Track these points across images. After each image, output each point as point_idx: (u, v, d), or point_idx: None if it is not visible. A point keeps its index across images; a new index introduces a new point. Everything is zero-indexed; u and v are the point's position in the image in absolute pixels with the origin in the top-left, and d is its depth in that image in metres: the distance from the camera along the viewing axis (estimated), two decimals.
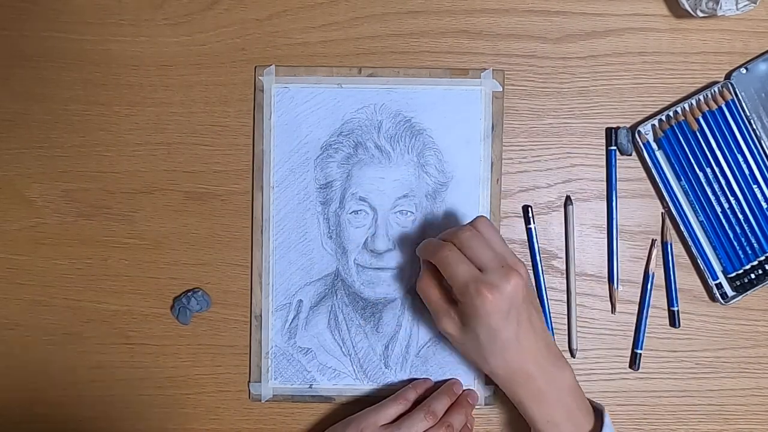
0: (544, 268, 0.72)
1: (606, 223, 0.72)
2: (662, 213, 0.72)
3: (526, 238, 0.72)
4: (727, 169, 0.71)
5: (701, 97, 0.71)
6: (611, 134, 0.72)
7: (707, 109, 0.71)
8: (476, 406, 0.72)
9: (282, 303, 0.72)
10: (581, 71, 0.72)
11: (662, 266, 0.72)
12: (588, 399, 0.67)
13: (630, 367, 0.73)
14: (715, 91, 0.71)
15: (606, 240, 0.72)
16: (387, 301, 0.72)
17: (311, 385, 0.73)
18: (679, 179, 0.71)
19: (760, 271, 0.71)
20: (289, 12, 0.72)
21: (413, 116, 0.72)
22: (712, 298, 0.72)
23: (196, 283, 0.73)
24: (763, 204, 0.71)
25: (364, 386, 0.73)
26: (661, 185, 0.71)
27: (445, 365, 0.72)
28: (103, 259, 0.73)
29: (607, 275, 0.72)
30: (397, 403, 0.69)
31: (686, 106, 0.71)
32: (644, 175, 0.72)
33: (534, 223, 0.72)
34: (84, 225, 0.73)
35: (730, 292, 0.72)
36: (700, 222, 0.71)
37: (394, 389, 0.71)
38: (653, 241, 0.72)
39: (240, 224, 0.73)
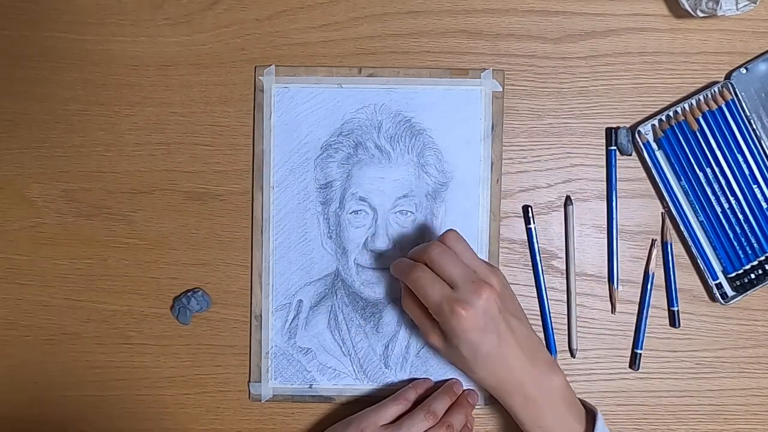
0: (544, 268, 0.72)
1: (606, 223, 0.72)
2: (662, 213, 0.72)
3: (526, 238, 0.72)
4: (727, 169, 0.71)
5: (701, 97, 0.71)
6: (611, 134, 0.72)
7: (707, 109, 0.71)
8: (476, 406, 0.72)
9: (282, 303, 0.72)
10: (581, 71, 0.72)
11: (662, 266, 0.72)
12: (582, 401, 0.67)
13: (630, 367, 0.73)
14: (715, 91, 0.71)
15: (606, 240, 0.72)
16: (387, 301, 0.72)
17: (311, 385, 0.73)
18: (679, 179, 0.71)
19: (760, 271, 0.71)
20: (289, 12, 0.72)
21: (413, 116, 0.72)
22: (712, 298, 0.72)
23: (196, 283, 0.73)
24: (763, 204, 0.71)
25: (364, 386, 0.73)
26: (661, 185, 0.71)
27: (445, 365, 0.72)
28: (103, 259, 0.73)
29: (607, 275, 0.72)
30: (398, 403, 0.69)
31: (686, 106, 0.71)
32: (644, 175, 0.72)
33: (534, 223, 0.72)
34: (84, 225, 0.73)
35: (730, 292, 0.72)
36: (700, 222, 0.71)
37: (394, 389, 0.71)
38: (653, 241, 0.72)
39: (240, 224, 0.73)
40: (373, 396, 0.72)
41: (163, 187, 0.73)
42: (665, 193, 0.71)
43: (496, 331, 0.63)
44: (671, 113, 0.71)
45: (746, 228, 0.71)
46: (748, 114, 0.71)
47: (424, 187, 0.72)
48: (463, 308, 0.61)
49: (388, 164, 0.72)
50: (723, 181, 0.71)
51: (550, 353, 0.72)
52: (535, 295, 0.72)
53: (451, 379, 0.72)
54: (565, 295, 0.72)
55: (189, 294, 0.72)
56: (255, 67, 0.72)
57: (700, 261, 0.71)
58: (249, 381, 0.73)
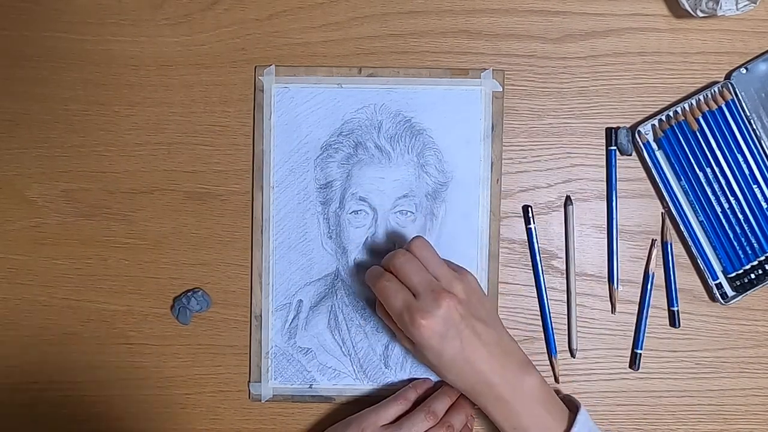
0: (544, 268, 0.72)
1: (606, 223, 0.72)
2: (662, 213, 0.72)
3: (526, 238, 0.72)
4: (727, 169, 0.71)
5: (701, 97, 0.71)
6: (611, 134, 0.72)
7: (707, 109, 0.71)
8: (476, 406, 0.72)
9: (282, 303, 0.72)
10: (581, 71, 0.72)
11: (662, 266, 0.72)
12: (568, 396, 0.67)
13: (630, 367, 0.73)
14: (715, 91, 0.71)
15: (606, 240, 0.72)
16: None
17: (311, 385, 0.73)
18: (679, 179, 0.71)
19: (760, 271, 0.71)
20: (289, 12, 0.72)
21: (413, 116, 0.72)
22: (712, 298, 0.72)
23: (196, 283, 0.73)
24: (763, 204, 0.71)
25: (364, 386, 0.73)
26: (661, 185, 0.71)
27: None
28: (103, 259, 0.73)
29: (607, 275, 0.72)
30: (398, 403, 0.69)
31: (686, 106, 0.71)
32: (644, 175, 0.72)
33: (534, 223, 0.72)
34: (84, 225, 0.73)
35: (730, 292, 0.72)
36: (700, 222, 0.71)
37: (394, 389, 0.71)
38: (653, 241, 0.72)
39: (240, 224, 0.73)
40: (373, 396, 0.72)
41: (163, 187, 0.73)
42: (665, 193, 0.71)
43: (459, 338, 0.63)
44: (671, 113, 0.71)
45: (746, 228, 0.71)
46: (748, 114, 0.71)
47: (424, 187, 0.72)
48: (422, 317, 0.62)
49: (388, 164, 0.72)
50: (723, 181, 0.71)
51: (550, 353, 0.72)
52: (535, 295, 0.72)
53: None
54: (565, 295, 0.72)
55: (189, 294, 0.72)
56: (255, 67, 0.72)
57: (700, 261, 0.71)
58: (249, 381, 0.73)
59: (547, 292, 0.72)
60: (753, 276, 0.71)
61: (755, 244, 0.71)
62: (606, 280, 0.72)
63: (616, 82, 0.72)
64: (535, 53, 0.72)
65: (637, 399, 0.73)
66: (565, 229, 0.72)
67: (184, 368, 0.73)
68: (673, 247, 0.72)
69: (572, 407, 0.67)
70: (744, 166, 0.71)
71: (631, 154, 0.72)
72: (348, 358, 0.73)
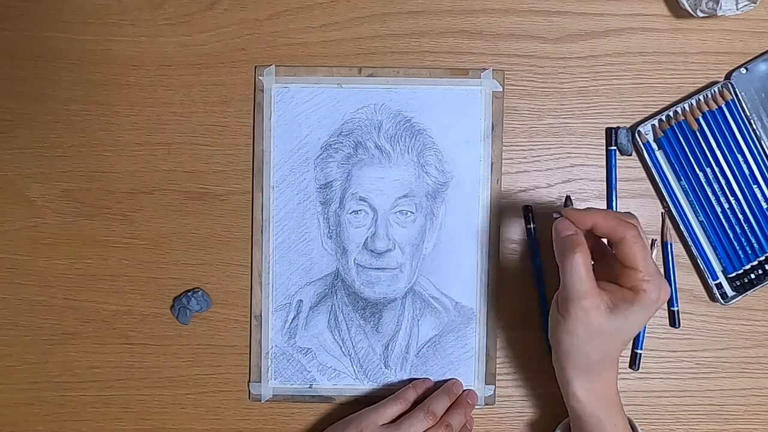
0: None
1: None
2: (662, 213, 0.72)
3: (526, 238, 0.72)
4: (727, 169, 0.71)
5: (701, 97, 0.71)
6: (611, 134, 0.72)
7: (707, 109, 0.71)
8: (476, 406, 0.72)
9: (282, 303, 0.72)
10: (581, 71, 0.72)
11: (662, 266, 0.72)
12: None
13: (630, 367, 0.73)
14: (715, 91, 0.71)
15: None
16: (387, 301, 0.72)
17: (311, 385, 0.73)
18: (679, 179, 0.71)
19: (760, 271, 0.71)
20: (289, 12, 0.72)
21: (413, 116, 0.72)
22: (712, 298, 0.72)
23: (196, 283, 0.73)
24: (763, 204, 0.71)
25: (364, 386, 0.73)
26: (661, 185, 0.71)
27: (445, 365, 0.72)
28: (103, 259, 0.73)
29: None
30: (397, 402, 0.69)
31: (686, 106, 0.71)
32: (644, 175, 0.72)
33: (534, 223, 0.72)
34: (84, 225, 0.73)
35: (730, 292, 0.72)
36: (700, 222, 0.71)
37: (394, 389, 0.71)
38: (653, 241, 0.72)
39: (240, 224, 0.73)
40: (373, 396, 0.72)
41: (163, 187, 0.73)
42: (665, 193, 0.71)
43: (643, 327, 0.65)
44: (671, 113, 0.71)
45: (746, 228, 0.71)
46: (748, 114, 0.71)
47: (424, 187, 0.72)
48: (667, 291, 0.60)
49: (388, 164, 0.72)
50: (723, 181, 0.71)
51: (549, 353, 0.72)
52: (535, 295, 0.72)
53: (451, 379, 0.72)
54: None
55: (189, 294, 0.72)
56: (255, 67, 0.72)
57: (700, 261, 0.72)
58: (249, 381, 0.73)
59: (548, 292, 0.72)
60: (753, 276, 0.71)
61: (755, 244, 0.71)
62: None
63: (616, 82, 0.72)
64: (535, 53, 0.72)
65: (637, 399, 0.73)
66: None
67: (184, 368, 0.73)
68: (673, 247, 0.72)
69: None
70: (744, 166, 0.71)
71: (631, 154, 0.72)
72: (348, 358, 0.73)
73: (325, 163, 0.72)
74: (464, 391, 0.71)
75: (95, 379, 0.73)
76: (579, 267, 0.59)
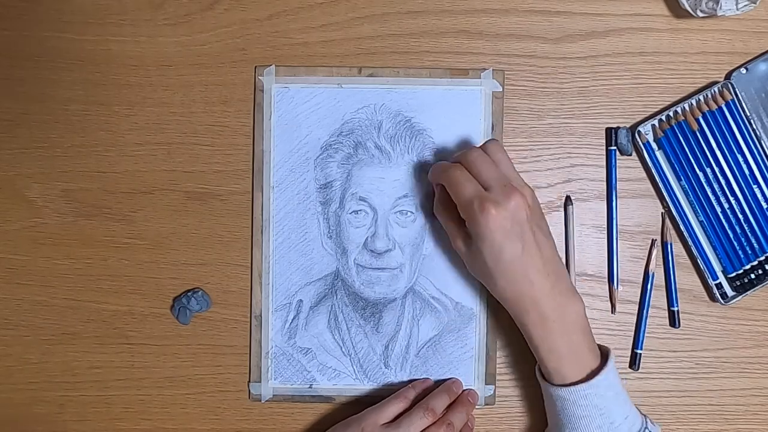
0: None
1: (606, 223, 0.72)
2: (662, 213, 0.72)
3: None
4: (727, 169, 0.71)
5: (701, 97, 0.71)
6: (611, 134, 0.72)
7: (707, 109, 0.71)
8: (476, 406, 0.72)
9: (282, 303, 0.72)
10: (581, 71, 0.72)
11: (662, 266, 0.72)
12: (597, 343, 0.67)
13: (630, 367, 0.73)
14: (715, 91, 0.71)
15: (606, 240, 0.72)
16: (387, 301, 0.72)
17: (311, 385, 0.73)
18: (679, 179, 0.71)
19: (760, 271, 0.71)
20: (289, 12, 0.72)
21: (413, 116, 0.72)
22: (712, 298, 0.72)
23: (196, 283, 0.73)
24: (763, 204, 0.71)
25: (364, 386, 0.73)
26: (661, 185, 0.71)
27: (445, 365, 0.72)
28: (103, 259, 0.73)
29: (607, 275, 0.72)
30: (397, 401, 0.69)
31: (686, 106, 0.71)
32: (644, 175, 0.72)
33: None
34: (84, 225, 0.73)
35: (730, 292, 0.72)
36: (700, 222, 0.71)
37: (394, 389, 0.71)
38: (653, 241, 0.72)
39: (240, 224, 0.73)
40: (373, 396, 0.72)
41: (163, 187, 0.73)
42: (665, 193, 0.71)
43: (521, 240, 0.62)
44: (671, 113, 0.71)
45: (746, 228, 0.71)
46: (748, 114, 0.71)
47: (424, 187, 0.72)
48: (493, 207, 0.61)
49: (388, 164, 0.72)
50: (723, 181, 0.71)
51: None
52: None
53: (451, 378, 0.72)
54: None
55: (189, 294, 0.72)
56: (255, 67, 0.72)
57: (700, 261, 0.72)
58: (249, 381, 0.73)
59: None
60: (753, 276, 0.71)
61: (755, 244, 0.71)
62: (606, 280, 0.72)
63: (616, 82, 0.72)
64: (535, 53, 0.72)
65: (637, 399, 0.72)
66: (565, 229, 0.72)
67: (184, 368, 0.73)
68: (673, 247, 0.72)
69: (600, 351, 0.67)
70: (744, 166, 0.71)
71: (631, 154, 0.72)
72: (348, 358, 0.73)
73: (325, 163, 0.72)
74: (465, 390, 0.71)
75: (95, 379, 0.73)
76: (446, 222, 0.68)
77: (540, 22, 0.72)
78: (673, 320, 0.72)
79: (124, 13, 0.72)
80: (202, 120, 0.73)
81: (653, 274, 0.72)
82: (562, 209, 0.72)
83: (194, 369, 0.73)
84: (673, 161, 0.71)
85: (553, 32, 0.72)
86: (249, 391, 0.73)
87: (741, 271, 0.71)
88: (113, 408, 0.73)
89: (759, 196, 0.71)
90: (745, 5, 0.69)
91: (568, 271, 0.72)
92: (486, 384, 0.72)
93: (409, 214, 0.72)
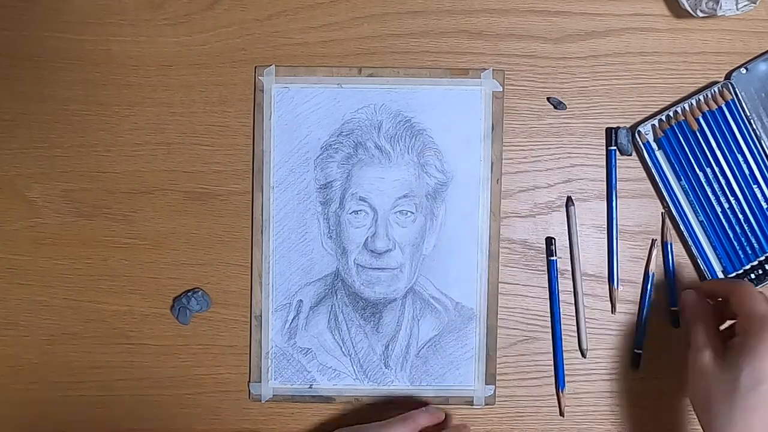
0: (543, 268, 0.72)
1: (606, 223, 0.72)
2: (662, 213, 0.72)
3: (525, 238, 0.72)
4: (727, 169, 0.71)
5: (701, 97, 0.71)
6: (611, 134, 0.72)
7: (707, 109, 0.71)
8: (476, 406, 0.72)
9: (282, 303, 0.72)
10: (581, 71, 0.72)
11: (662, 266, 0.72)
12: None
13: (630, 367, 0.72)
14: (715, 91, 0.71)
15: (606, 240, 0.72)
16: (387, 301, 0.72)
17: (311, 385, 0.73)
18: (679, 179, 0.71)
19: (760, 271, 0.71)
20: (289, 12, 0.72)
21: (413, 116, 0.72)
22: None
23: (196, 283, 0.73)
24: (763, 204, 0.71)
25: (364, 386, 0.73)
26: (661, 185, 0.71)
27: (445, 365, 0.72)
28: (103, 259, 0.73)
29: (607, 275, 0.72)
30: (406, 425, 0.68)
31: (686, 106, 0.71)
32: (644, 175, 0.72)
33: (556, 255, 0.72)
34: (84, 225, 0.73)
35: None
36: (700, 222, 0.71)
37: (393, 389, 0.71)
38: (653, 241, 0.72)
39: (240, 224, 0.73)
40: (373, 396, 0.72)
41: (163, 187, 0.73)
42: (665, 193, 0.71)
43: None
44: (671, 113, 0.71)
45: (746, 228, 0.71)
46: (748, 114, 0.71)
47: (424, 187, 0.72)
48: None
49: (388, 164, 0.72)
50: (723, 181, 0.71)
51: (558, 387, 0.72)
52: (535, 295, 0.72)
53: (463, 423, 0.72)
54: (571, 296, 0.72)
55: (189, 294, 0.72)
56: (255, 67, 0.72)
57: (700, 261, 0.72)
58: (249, 381, 0.73)
59: (560, 304, 0.72)
60: (753, 276, 0.71)
61: (755, 244, 0.71)
62: (606, 280, 0.72)
63: (616, 82, 0.72)
64: (535, 53, 0.72)
65: (637, 399, 0.73)
66: (568, 230, 0.72)
67: (184, 368, 0.73)
68: (673, 247, 0.72)
69: None
70: (744, 166, 0.71)
71: (631, 154, 0.72)
72: (348, 358, 0.73)
73: (325, 163, 0.72)
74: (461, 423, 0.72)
75: (95, 379, 0.73)
76: (697, 334, 0.64)
77: (540, 22, 0.72)
78: (674, 320, 0.72)
79: (124, 13, 0.72)
80: (202, 120, 0.73)
81: (653, 274, 0.72)
82: (563, 209, 0.72)
83: (194, 369, 0.73)
84: (673, 161, 0.71)
85: (553, 32, 0.72)
86: (249, 391, 0.73)
87: (741, 271, 0.71)
88: (113, 408, 0.73)
89: (759, 196, 0.71)
90: (745, 5, 0.69)
91: (573, 273, 0.72)
92: (486, 384, 0.72)
93: (409, 214, 0.72)
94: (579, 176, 0.72)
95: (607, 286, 0.72)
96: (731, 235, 0.71)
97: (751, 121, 0.71)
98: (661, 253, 0.72)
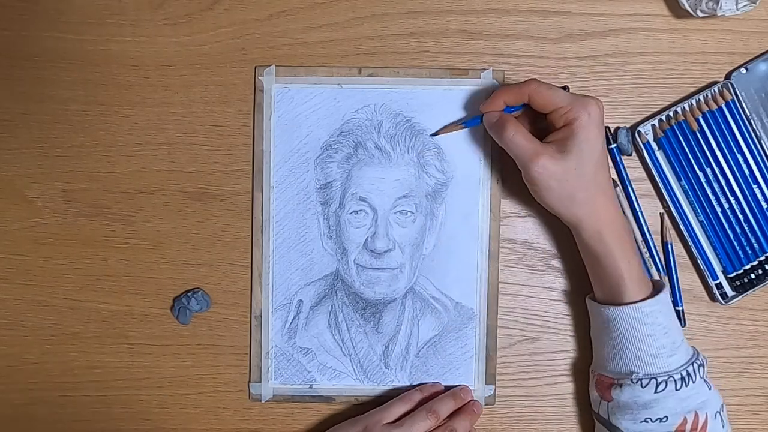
0: (543, 268, 0.72)
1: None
2: (662, 213, 0.72)
3: (525, 238, 0.72)
4: (727, 169, 0.71)
5: (701, 97, 0.71)
6: (608, 134, 0.72)
7: (707, 109, 0.71)
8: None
9: (282, 303, 0.72)
10: (581, 71, 0.72)
11: (663, 266, 0.72)
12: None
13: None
14: (715, 91, 0.71)
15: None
16: (387, 301, 0.72)
17: (311, 385, 0.73)
18: (679, 179, 0.71)
19: (760, 271, 0.71)
20: (289, 12, 0.72)
21: (413, 116, 0.72)
22: (712, 298, 0.72)
23: (196, 283, 0.73)
24: (763, 204, 0.71)
25: (364, 386, 0.73)
26: (661, 185, 0.71)
27: (445, 365, 0.72)
28: (103, 259, 0.73)
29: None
30: (402, 403, 0.69)
31: (686, 106, 0.71)
32: (644, 175, 0.72)
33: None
34: (84, 225, 0.73)
35: (730, 292, 0.72)
36: (700, 222, 0.71)
37: (394, 389, 0.71)
38: (662, 215, 0.72)
39: (240, 224, 0.73)
40: (374, 396, 0.72)
41: (163, 187, 0.73)
42: (665, 193, 0.71)
43: (602, 140, 0.65)
44: (671, 113, 0.71)
45: (746, 228, 0.71)
46: (748, 114, 0.71)
47: (424, 187, 0.72)
48: (593, 101, 0.64)
49: (388, 164, 0.72)
50: (723, 181, 0.71)
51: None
52: (535, 295, 0.72)
53: (460, 385, 0.72)
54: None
55: (189, 294, 0.72)
56: (255, 68, 0.72)
57: (700, 261, 0.72)
58: (249, 381, 0.73)
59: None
60: (753, 276, 0.71)
61: (755, 244, 0.71)
62: None
63: (616, 82, 0.72)
64: (535, 53, 0.72)
65: None
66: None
67: (184, 368, 0.73)
68: (673, 247, 0.72)
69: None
70: (744, 166, 0.71)
71: (631, 154, 0.72)
72: (348, 358, 0.73)
73: (325, 164, 0.72)
74: (471, 400, 0.71)
75: (95, 379, 0.73)
76: (515, 137, 0.65)
77: (540, 22, 0.72)
78: (678, 319, 0.72)
79: (124, 13, 0.72)
80: (202, 120, 0.73)
81: (671, 243, 0.72)
82: None
83: (194, 369, 0.73)
84: (673, 161, 0.71)
85: (553, 32, 0.72)
86: (249, 391, 0.73)
87: (741, 271, 0.71)
88: (113, 408, 0.73)
89: (759, 196, 0.71)
90: (745, 5, 0.69)
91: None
92: (486, 384, 0.72)
93: (409, 214, 0.72)
94: None
95: None
96: (731, 235, 0.71)
97: (751, 121, 0.71)
98: (661, 252, 0.72)
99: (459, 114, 0.72)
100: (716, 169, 0.71)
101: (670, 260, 0.72)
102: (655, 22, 0.72)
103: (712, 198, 0.71)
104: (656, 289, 0.66)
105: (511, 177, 0.72)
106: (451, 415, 0.69)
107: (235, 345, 0.73)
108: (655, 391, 0.64)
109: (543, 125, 0.68)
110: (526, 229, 0.73)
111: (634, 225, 0.72)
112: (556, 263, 0.73)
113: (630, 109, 0.72)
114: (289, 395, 0.73)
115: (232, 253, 0.73)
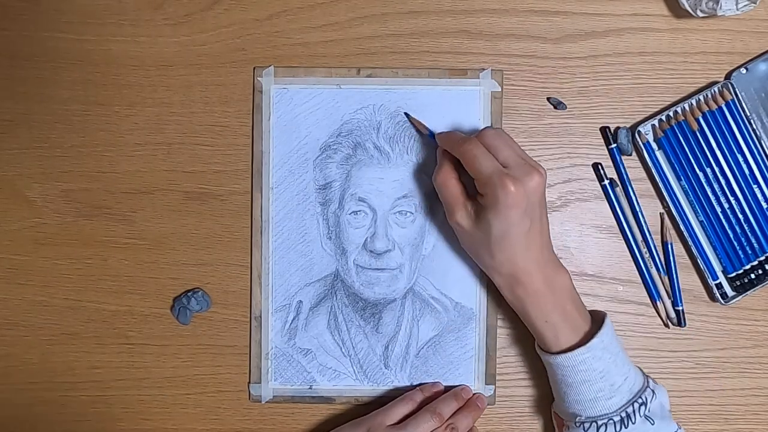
0: None
1: (605, 222, 0.72)
2: (662, 213, 0.72)
3: None
4: (727, 169, 0.71)
5: (701, 97, 0.71)
6: (607, 134, 0.71)
7: (707, 109, 0.71)
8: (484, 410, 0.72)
9: (282, 304, 0.72)
10: (581, 71, 0.72)
11: (664, 267, 0.72)
12: (590, 310, 0.68)
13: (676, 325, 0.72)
14: (715, 91, 0.71)
15: (606, 240, 0.72)
16: (387, 301, 0.72)
17: (311, 386, 0.73)
18: (679, 179, 0.71)
19: (760, 271, 0.71)
20: (289, 12, 0.72)
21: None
22: (712, 298, 0.72)
23: (196, 283, 0.73)
24: (763, 204, 0.71)
25: (364, 387, 0.73)
26: (661, 185, 0.71)
27: (445, 365, 0.72)
28: (103, 259, 0.73)
29: (606, 276, 0.72)
30: (404, 403, 0.69)
31: (686, 106, 0.71)
32: (644, 175, 0.72)
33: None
34: (84, 225, 0.73)
35: (730, 292, 0.72)
36: (700, 222, 0.71)
37: (394, 390, 0.71)
38: (662, 214, 0.72)
39: (240, 224, 0.73)
40: (374, 397, 0.72)
41: (163, 187, 0.73)
42: (665, 193, 0.71)
43: (531, 218, 0.63)
44: (671, 113, 0.71)
45: (746, 228, 0.71)
46: (748, 114, 0.71)
47: (424, 187, 0.72)
48: (513, 184, 0.62)
49: (387, 165, 0.72)
50: (723, 181, 0.71)
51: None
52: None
53: (460, 385, 0.72)
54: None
55: (189, 294, 0.72)
56: (254, 68, 0.72)
57: (700, 261, 0.71)
58: (249, 382, 0.73)
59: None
60: (753, 276, 0.71)
61: (755, 244, 0.71)
62: (606, 279, 0.72)
63: (616, 82, 0.72)
64: (535, 53, 0.72)
65: None
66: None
67: (184, 368, 0.73)
68: (673, 247, 0.72)
69: (596, 317, 0.68)
70: (744, 166, 0.71)
71: (631, 154, 0.72)
72: (348, 359, 0.73)
73: (324, 164, 0.72)
74: (474, 394, 0.71)
75: (95, 379, 0.73)
76: (445, 182, 0.67)
77: (540, 22, 0.72)
78: (678, 319, 0.72)
79: (124, 13, 0.72)
80: (202, 120, 0.73)
81: (671, 243, 0.72)
82: (562, 209, 0.72)
83: (194, 369, 0.73)
84: (673, 161, 0.71)
85: (553, 32, 0.72)
86: (249, 392, 0.73)
87: (741, 271, 0.71)
88: (113, 408, 0.73)
89: (759, 196, 0.71)
90: (745, 5, 0.68)
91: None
92: (486, 384, 0.72)
93: (408, 214, 0.72)
94: (579, 176, 0.72)
95: (607, 286, 0.72)
96: (731, 235, 0.71)
97: (751, 121, 0.71)
98: (661, 252, 0.72)
99: (458, 114, 0.72)
100: (716, 169, 0.71)
101: (670, 260, 0.72)
102: (655, 22, 0.72)
103: (712, 198, 0.71)
104: (596, 326, 0.66)
105: None
106: (453, 414, 0.69)
107: (235, 345, 0.73)
108: None
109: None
110: None
111: (635, 225, 0.72)
112: None
113: (630, 109, 0.72)
114: (289, 396, 0.73)
115: (231, 253, 0.73)
